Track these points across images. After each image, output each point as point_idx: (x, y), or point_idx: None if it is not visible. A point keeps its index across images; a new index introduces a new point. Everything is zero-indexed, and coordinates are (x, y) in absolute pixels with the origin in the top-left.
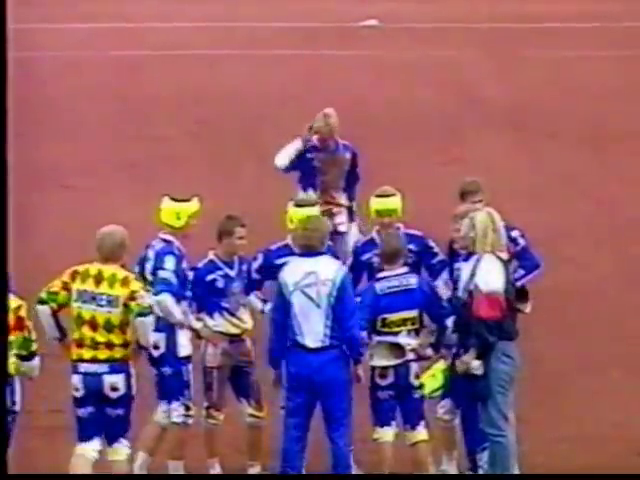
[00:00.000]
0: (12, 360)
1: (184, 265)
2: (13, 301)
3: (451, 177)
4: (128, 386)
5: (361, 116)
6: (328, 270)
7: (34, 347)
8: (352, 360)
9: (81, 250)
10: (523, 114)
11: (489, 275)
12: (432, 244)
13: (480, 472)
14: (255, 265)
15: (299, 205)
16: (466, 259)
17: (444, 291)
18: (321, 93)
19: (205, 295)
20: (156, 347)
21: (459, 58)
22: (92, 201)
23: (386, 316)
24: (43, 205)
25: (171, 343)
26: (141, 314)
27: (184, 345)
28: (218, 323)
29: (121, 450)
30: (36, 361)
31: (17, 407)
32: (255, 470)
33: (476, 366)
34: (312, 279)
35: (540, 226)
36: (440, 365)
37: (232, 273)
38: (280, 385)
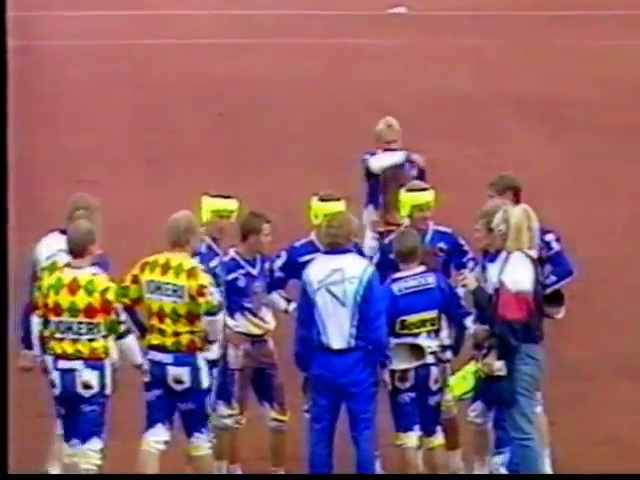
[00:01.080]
0: (101, 343)
1: (214, 263)
2: (101, 283)
3: (484, 171)
4: (194, 379)
5: (388, 108)
6: (355, 268)
7: (122, 329)
8: (378, 363)
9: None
10: (559, 106)
11: (517, 274)
12: (462, 242)
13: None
14: (279, 262)
15: (323, 200)
16: (492, 259)
17: (471, 280)
18: (347, 84)
19: (226, 294)
20: None
21: (490, 47)
22: (107, 196)
23: (405, 318)
24: (57, 200)
25: None
26: (210, 312)
27: (211, 349)
28: (239, 323)
29: (200, 444)
30: (129, 339)
31: (107, 391)
32: None
33: (499, 367)
34: (338, 277)
35: (575, 223)
36: (470, 367)
37: (254, 272)
38: (308, 388)
